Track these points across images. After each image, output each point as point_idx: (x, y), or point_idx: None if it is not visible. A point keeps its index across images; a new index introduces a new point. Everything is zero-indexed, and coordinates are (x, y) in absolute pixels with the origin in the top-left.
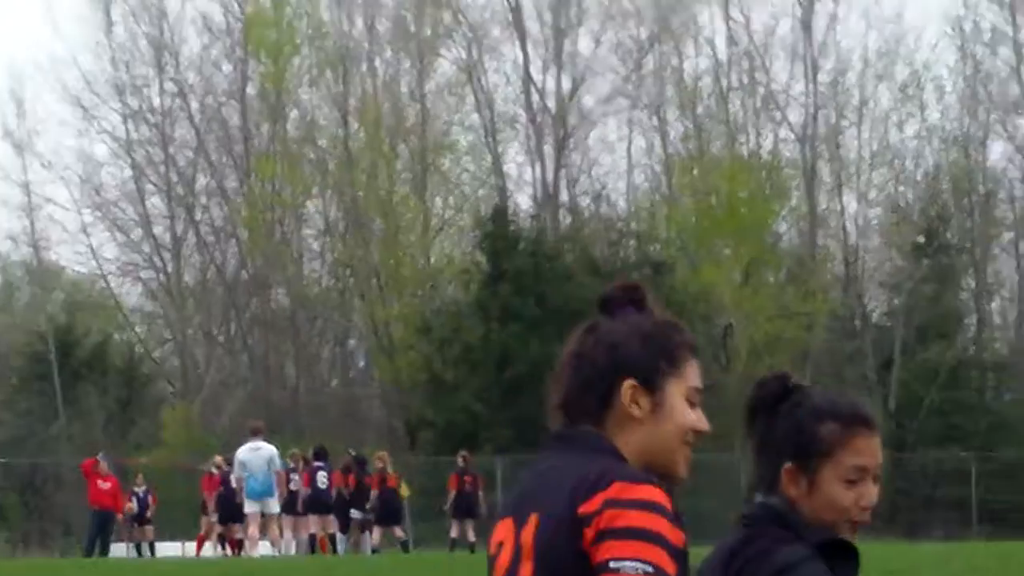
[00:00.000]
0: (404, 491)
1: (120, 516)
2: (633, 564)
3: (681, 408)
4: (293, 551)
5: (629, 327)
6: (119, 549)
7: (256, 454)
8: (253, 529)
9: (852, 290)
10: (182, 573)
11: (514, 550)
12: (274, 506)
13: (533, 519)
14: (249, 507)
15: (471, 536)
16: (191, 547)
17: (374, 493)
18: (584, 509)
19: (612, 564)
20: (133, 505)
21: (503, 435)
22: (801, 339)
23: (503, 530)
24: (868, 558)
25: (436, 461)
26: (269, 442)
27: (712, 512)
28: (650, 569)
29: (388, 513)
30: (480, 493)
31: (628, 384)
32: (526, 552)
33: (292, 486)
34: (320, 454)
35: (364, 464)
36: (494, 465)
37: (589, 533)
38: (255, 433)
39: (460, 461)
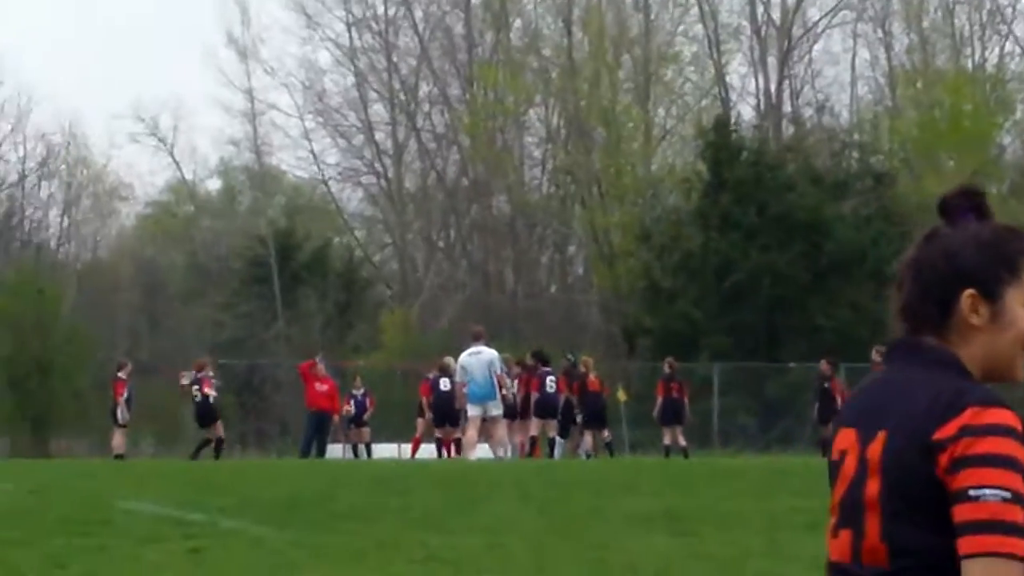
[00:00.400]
0: (622, 396)
1: (337, 418)
2: (993, 491)
3: (1021, 315)
4: (509, 454)
5: (968, 235)
6: (336, 450)
7: (477, 358)
8: (472, 432)
9: None
10: (399, 474)
11: (859, 463)
12: (495, 408)
13: (881, 436)
14: (471, 410)
15: (681, 441)
16: (407, 449)
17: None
18: (939, 435)
19: (972, 492)
20: (351, 407)
21: (721, 343)
22: None
23: (845, 439)
24: None
25: (654, 367)
26: (489, 347)
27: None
28: (1008, 495)
29: (593, 416)
30: (686, 399)
31: (968, 294)
32: (872, 468)
33: (504, 391)
34: (544, 359)
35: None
36: (712, 372)
37: (944, 460)
38: (476, 338)
39: (666, 368)
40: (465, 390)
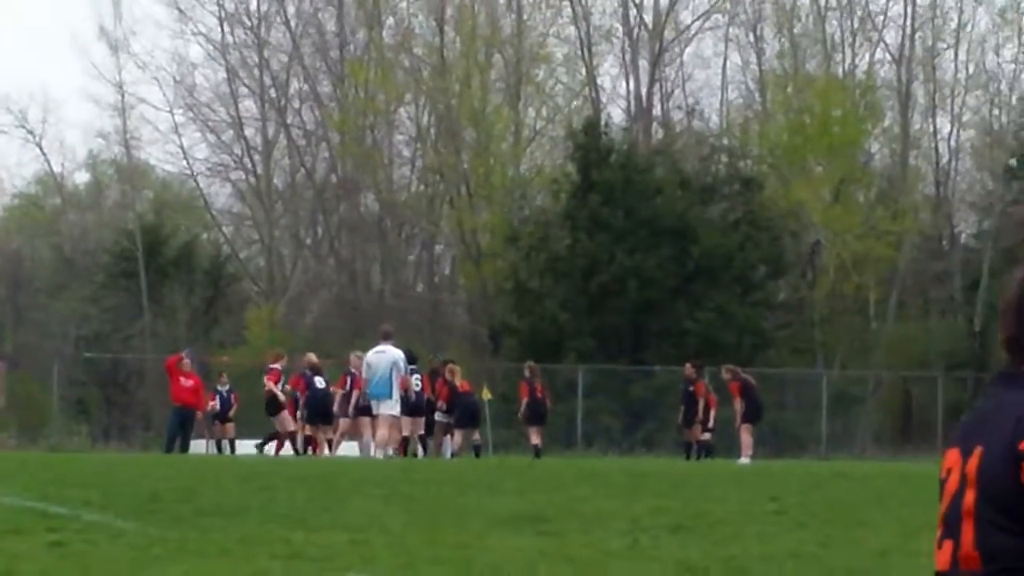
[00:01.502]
0: (486, 395)
1: (201, 414)
2: None
3: None
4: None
5: None
6: (199, 446)
7: (381, 356)
8: (382, 430)
9: (942, 211)
10: (262, 471)
11: (960, 478)
12: (387, 408)
13: (978, 451)
14: (372, 407)
15: (534, 439)
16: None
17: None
18: (1022, 445)
19: None
20: (216, 403)
21: (586, 345)
22: (889, 258)
23: (951, 458)
24: None
25: (519, 368)
26: (397, 347)
27: (795, 425)
28: None
29: (466, 416)
30: (547, 401)
31: None
32: (970, 481)
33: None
34: (411, 358)
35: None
36: (576, 374)
37: None
38: (385, 337)
39: (527, 372)
40: (366, 388)
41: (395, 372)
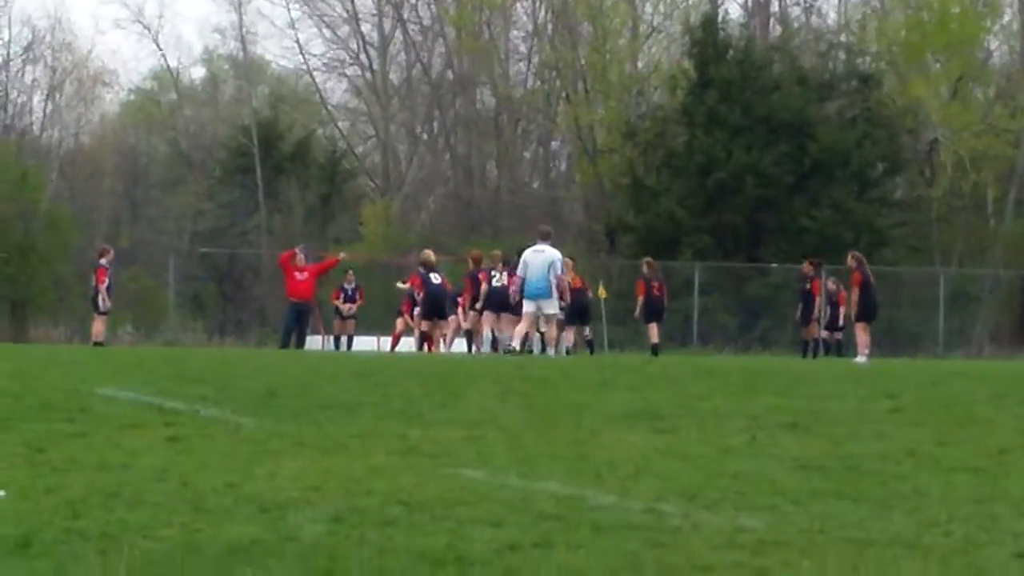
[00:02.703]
0: (602, 293)
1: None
2: None
3: None
4: (488, 349)
5: None
6: (315, 341)
7: (539, 256)
8: (523, 326)
9: None
10: (379, 367)
11: None
12: (549, 307)
13: None
14: (526, 306)
15: (654, 337)
16: (386, 342)
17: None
18: None
19: None
20: (341, 301)
21: (703, 241)
22: (1007, 156)
23: None
24: None
25: (635, 265)
26: (554, 247)
27: (911, 323)
28: None
29: (576, 313)
30: (664, 299)
31: None
32: None
33: (495, 283)
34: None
35: None
36: (693, 272)
37: None
38: (544, 237)
39: (644, 268)
40: (515, 286)
41: (552, 272)
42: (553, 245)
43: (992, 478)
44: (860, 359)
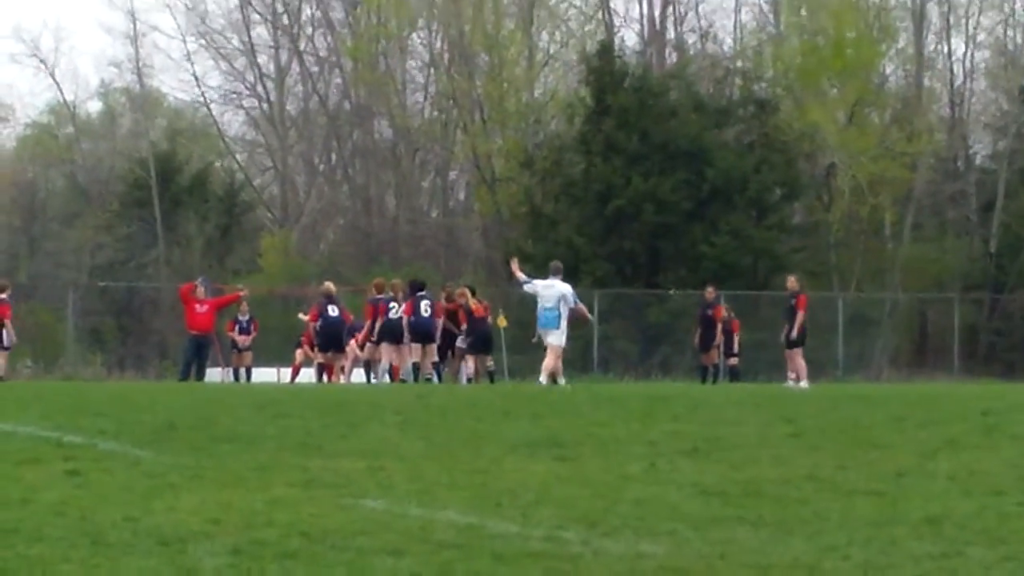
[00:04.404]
0: (502, 322)
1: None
2: None
3: None
4: (387, 379)
5: None
6: (214, 374)
7: (550, 290)
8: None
9: (957, 132)
10: (278, 398)
11: None
12: (555, 338)
13: None
14: (543, 336)
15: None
16: (286, 373)
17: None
18: None
19: None
20: (235, 333)
21: (602, 269)
22: (904, 179)
23: None
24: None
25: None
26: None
27: (810, 348)
28: None
29: (479, 342)
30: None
31: None
32: None
33: (392, 315)
34: (419, 285)
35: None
36: (592, 299)
37: None
38: (555, 272)
39: None
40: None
41: (563, 304)
42: (564, 280)
43: (891, 501)
44: (803, 384)
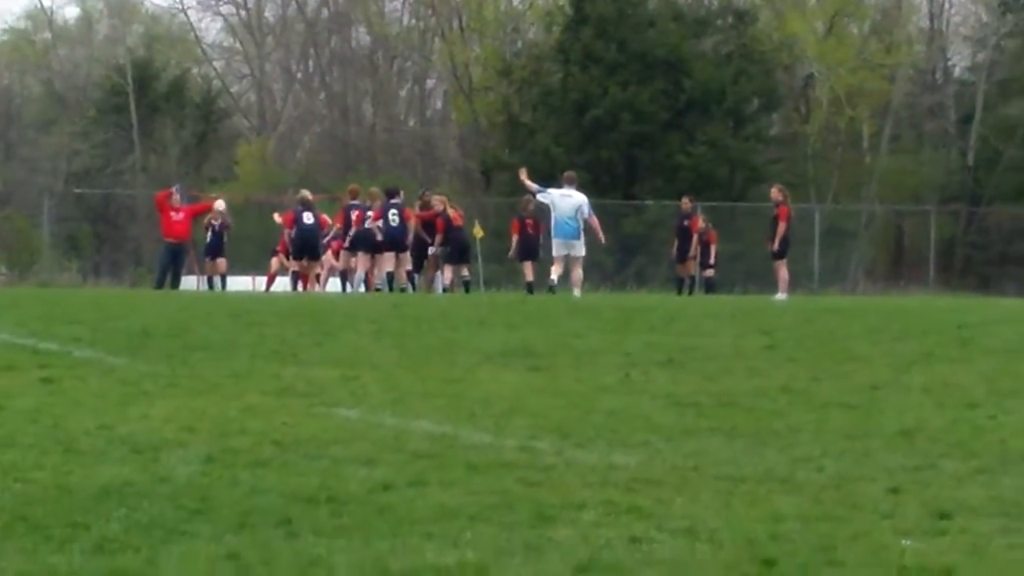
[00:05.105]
0: (477, 232)
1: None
2: None
3: None
4: (362, 288)
5: None
6: (189, 282)
7: (567, 200)
8: (556, 267)
9: (935, 44)
10: (253, 307)
11: None
12: (579, 249)
13: None
14: (556, 248)
15: (529, 275)
16: (262, 281)
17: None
18: None
19: None
20: (209, 238)
21: (580, 179)
22: (882, 91)
23: None
24: (940, 311)
25: (511, 203)
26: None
27: (789, 260)
28: None
29: (456, 252)
30: (540, 236)
31: None
32: None
33: (368, 224)
34: (393, 192)
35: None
36: None
37: None
38: (570, 182)
39: (521, 206)
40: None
41: (579, 215)
42: (578, 189)
43: (865, 414)
44: (780, 296)
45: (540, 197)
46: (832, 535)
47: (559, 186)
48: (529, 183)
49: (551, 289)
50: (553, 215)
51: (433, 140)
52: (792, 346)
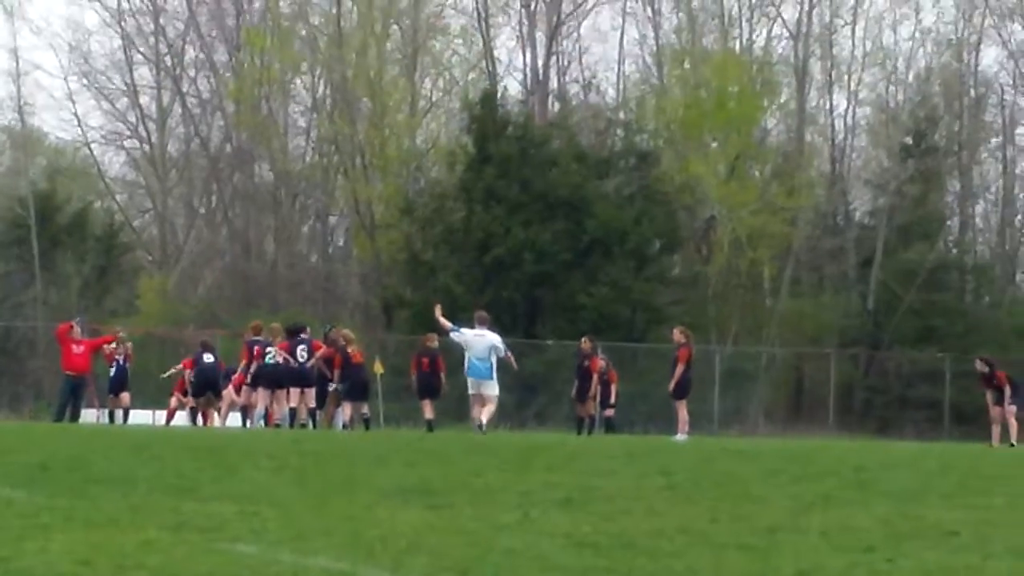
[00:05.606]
0: (378, 368)
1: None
2: None
3: None
4: (261, 424)
5: None
6: (90, 415)
7: (481, 340)
8: (476, 407)
9: (837, 187)
10: (153, 440)
11: None
12: (491, 388)
13: None
14: (471, 387)
15: (428, 413)
16: (161, 416)
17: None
18: None
19: None
20: (112, 371)
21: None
22: (784, 234)
23: None
24: (839, 453)
25: (412, 341)
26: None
27: (688, 401)
28: None
29: (356, 389)
30: (442, 374)
31: None
32: None
33: (268, 359)
34: (298, 328)
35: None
36: None
37: None
38: (481, 322)
39: (420, 344)
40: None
41: (494, 354)
42: (490, 329)
43: (763, 556)
44: (680, 436)
45: (453, 336)
46: None
47: (471, 325)
48: (444, 321)
49: (480, 428)
50: (467, 354)
51: (335, 276)
52: (691, 487)
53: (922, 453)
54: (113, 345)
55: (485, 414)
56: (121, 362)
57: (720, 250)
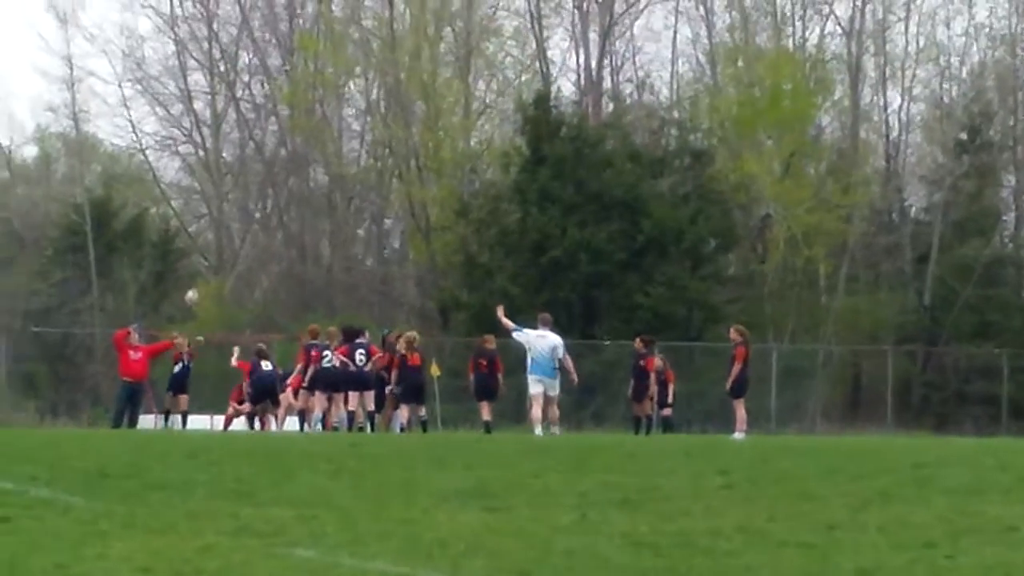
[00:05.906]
0: (435, 371)
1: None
2: None
3: None
4: (319, 428)
5: None
6: (147, 421)
7: (543, 340)
8: (536, 408)
9: (892, 184)
10: (210, 446)
11: None
12: (555, 388)
13: None
14: (534, 387)
15: (486, 415)
16: (219, 421)
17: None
18: None
19: None
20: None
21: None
22: (839, 231)
23: None
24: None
25: (468, 343)
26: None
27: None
28: None
29: (411, 392)
30: (499, 375)
31: None
32: None
33: (325, 362)
34: (356, 331)
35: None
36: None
37: None
38: (544, 323)
39: (477, 345)
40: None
41: (555, 355)
42: (552, 330)
43: (822, 554)
44: (738, 435)
45: (516, 336)
46: None
47: (531, 327)
48: (506, 321)
49: (552, 430)
50: (529, 355)
51: (391, 279)
52: (749, 486)
53: (980, 449)
54: (186, 343)
55: (552, 416)
56: (186, 362)
57: (776, 248)
